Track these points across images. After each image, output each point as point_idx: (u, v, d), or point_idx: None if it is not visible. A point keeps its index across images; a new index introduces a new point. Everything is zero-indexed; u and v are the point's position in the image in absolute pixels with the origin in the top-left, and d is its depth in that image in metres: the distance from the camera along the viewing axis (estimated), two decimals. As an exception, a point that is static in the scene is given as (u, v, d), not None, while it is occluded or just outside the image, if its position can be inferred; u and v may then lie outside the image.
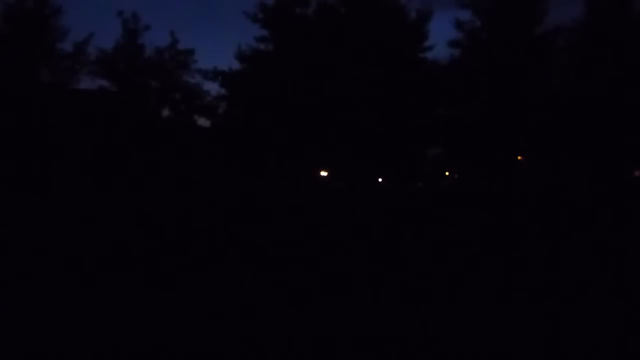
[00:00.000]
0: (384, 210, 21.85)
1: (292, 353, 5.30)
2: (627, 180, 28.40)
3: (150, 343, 5.50)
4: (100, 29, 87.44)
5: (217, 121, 32.42)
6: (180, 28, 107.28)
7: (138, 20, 30.90)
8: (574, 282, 8.53)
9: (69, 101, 29.05)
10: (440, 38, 78.14)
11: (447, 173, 35.92)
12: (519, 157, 30.31)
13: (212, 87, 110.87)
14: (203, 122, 32.86)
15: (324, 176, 32.72)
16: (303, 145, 28.42)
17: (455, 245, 12.31)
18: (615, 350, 5.45)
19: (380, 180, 33.14)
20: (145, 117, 30.50)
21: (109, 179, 27.72)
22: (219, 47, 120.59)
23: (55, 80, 29.75)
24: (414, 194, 30.26)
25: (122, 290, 7.71)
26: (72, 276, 8.64)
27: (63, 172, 27.61)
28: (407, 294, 7.67)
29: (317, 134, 28.20)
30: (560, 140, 27.66)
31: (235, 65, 31.03)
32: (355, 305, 7.02)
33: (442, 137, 30.37)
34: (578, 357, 5.30)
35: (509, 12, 28.29)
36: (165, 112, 31.92)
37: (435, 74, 29.51)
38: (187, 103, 31.50)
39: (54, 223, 15.65)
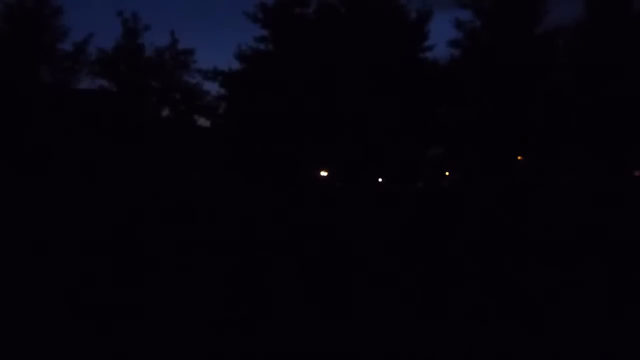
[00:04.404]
0: (384, 210, 21.84)
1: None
2: (627, 180, 28.39)
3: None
4: (100, 29, 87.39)
5: (217, 121, 32.41)
6: (180, 28, 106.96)
7: (138, 20, 30.89)
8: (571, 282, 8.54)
9: (69, 101, 29.01)
10: (440, 38, 78.20)
11: (447, 173, 35.88)
12: (519, 157, 30.30)
13: (212, 87, 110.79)
14: (203, 122, 32.90)
15: (324, 176, 32.69)
16: (303, 145, 28.41)
17: (455, 243, 12.31)
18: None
19: (380, 180, 33.11)
20: (145, 117, 30.48)
21: (108, 179, 27.68)
22: (219, 47, 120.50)
23: (55, 80, 29.72)
24: (414, 194, 30.20)
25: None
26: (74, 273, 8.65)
27: (63, 171, 27.58)
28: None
29: (317, 134, 28.19)
30: (560, 140, 27.66)
31: (235, 65, 31.06)
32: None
33: (442, 137, 30.34)
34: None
35: (509, 12, 28.29)
36: (165, 112, 31.94)
37: (435, 74, 29.49)
38: (187, 103, 31.48)
39: (53, 222, 15.64)
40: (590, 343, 5.63)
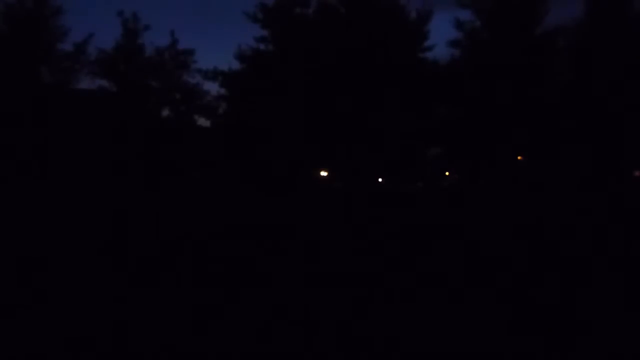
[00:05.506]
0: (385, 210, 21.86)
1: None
2: (627, 180, 28.38)
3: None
4: (100, 29, 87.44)
5: (217, 121, 32.40)
6: (180, 28, 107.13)
7: (138, 20, 30.87)
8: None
9: (69, 101, 29.01)
10: (440, 38, 78.25)
11: (447, 173, 35.90)
12: (519, 157, 30.28)
13: (212, 87, 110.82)
14: (203, 122, 32.89)
15: (324, 176, 32.69)
16: (303, 145, 28.40)
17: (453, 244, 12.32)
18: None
19: (380, 180, 33.10)
20: (145, 117, 30.46)
21: (108, 179, 27.67)
22: (219, 47, 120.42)
23: (55, 80, 29.70)
24: (414, 194, 30.24)
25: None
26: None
27: (62, 171, 27.57)
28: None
29: (317, 133, 28.18)
30: (560, 140, 27.65)
31: (235, 65, 31.04)
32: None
33: (442, 137, 30.34)
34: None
35: (509, 12, 28.28)
36: (165, 112, 31.92)
37: (435, 74, 29.47)
38: (187, 103, 31.47)
39: (56, 222, 15.64)
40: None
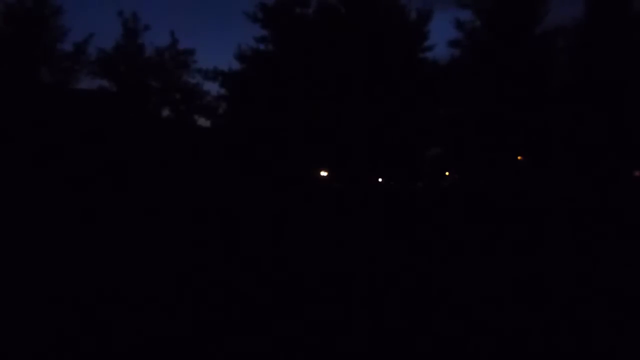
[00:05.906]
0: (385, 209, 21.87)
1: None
2: (627, 180, 28.38)
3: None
4: (100, 29, 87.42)
5: (217, 121, 32.45)
6: (180, 28, 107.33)
7: (138, 20, 30.90)
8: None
9: (69, 101, 29.02)
10: (440, 38, 78.33)
11: (447, 173, 35.93)
12: (519, 157, 30.29)
13: (212, 87, 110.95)
14: (203, 122, 32.93)
15: (323, 176, 32.70)
16: (303, 145, 28.42)
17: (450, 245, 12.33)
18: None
19: (380, 180, 33.12)
20: (145, 117, 30.48)
21: (108, 179, 27.67)
22: (219, 47, 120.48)
23: (55, 80, 29.71)
24: (414, 194, 30.25)
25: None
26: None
27: (62, 172, 27.57)
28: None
29: (317, 133, 28.20)
30: (560, 140, 27.66)
31: (235, 65, 31.11)
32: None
33: (442, 137, 30.34)
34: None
35: (509, 12, 28.29)
36: (165, 112, 31.97)
37: (435, 74, 29.50)
38: (187, 103, 31.52)
39: (54, 223, 15.66)
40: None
